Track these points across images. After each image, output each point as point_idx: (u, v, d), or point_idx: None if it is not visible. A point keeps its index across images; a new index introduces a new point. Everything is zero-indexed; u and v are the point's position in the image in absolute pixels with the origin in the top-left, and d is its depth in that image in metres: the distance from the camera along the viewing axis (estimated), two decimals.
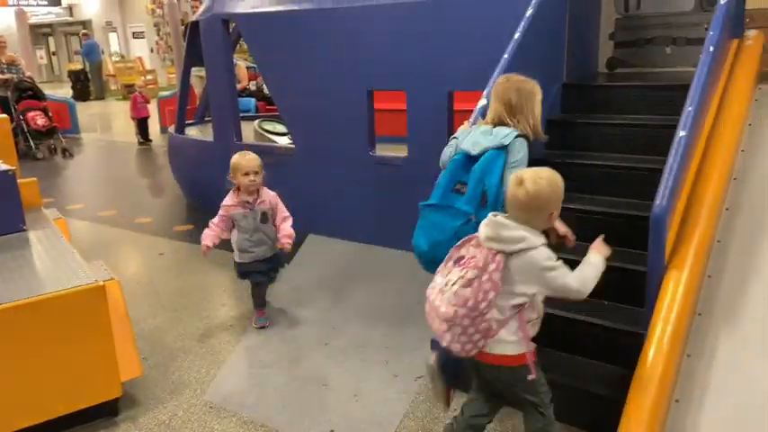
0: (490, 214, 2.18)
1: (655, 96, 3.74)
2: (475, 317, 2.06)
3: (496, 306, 2.08)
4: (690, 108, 2.67)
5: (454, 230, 2.50)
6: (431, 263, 2.47)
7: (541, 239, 2.12)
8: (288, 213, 3.88)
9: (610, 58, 4.62)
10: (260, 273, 3.92)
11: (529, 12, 3.51)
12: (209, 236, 3.78)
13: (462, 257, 2.17)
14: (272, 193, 3.87)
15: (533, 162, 2.59)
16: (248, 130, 6.62)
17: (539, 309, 2.19)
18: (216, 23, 5.85)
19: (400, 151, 4.99)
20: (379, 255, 5.00)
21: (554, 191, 2.12)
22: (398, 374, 3.34)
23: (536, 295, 2.13)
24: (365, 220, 5.15)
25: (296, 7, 5.22)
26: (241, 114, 6.38)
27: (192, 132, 7.33)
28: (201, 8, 6.34)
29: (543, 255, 2.09)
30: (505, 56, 3.35)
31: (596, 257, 2.23)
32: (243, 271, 3.92)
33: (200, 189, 6.56)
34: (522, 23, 3.47)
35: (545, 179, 2.11)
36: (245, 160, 3.75)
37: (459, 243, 2.23)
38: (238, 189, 3.80)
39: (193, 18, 6.49)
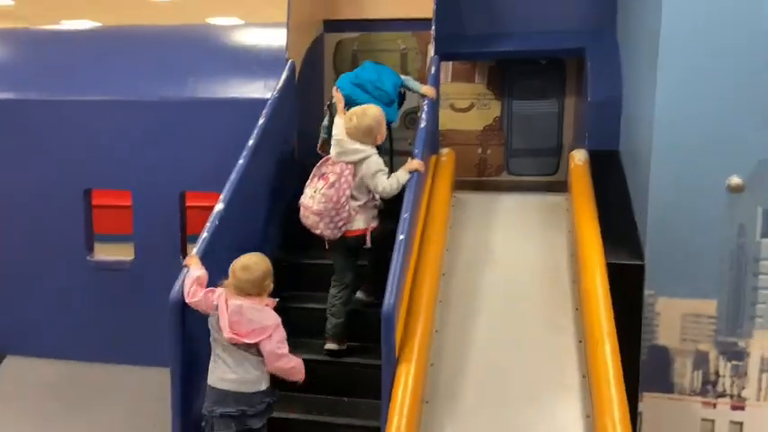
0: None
1: None
2: (338, 209, 3.10)
3: (351, 199, 3.12)
4: (406, 214, 3.04)
5: None
6: None
7: (374, 151, 3.20)
8: None
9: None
10: None
11: (261, 121, 3.68)
12: None
13: (324, 173, 3.21)
14: None
15: None
16: None
17: (378, 201, 3.25)
18: None
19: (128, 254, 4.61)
20: (103, 374, 4.41)
21: (377, 121, 3.22)
22: None
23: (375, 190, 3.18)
24: (83, 334, 4.55)
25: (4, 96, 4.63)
26: None
27: None
28: None
29: (375, 160, 3.17)
30: (240, 161, 3.43)
31: (404, 174, 3.20)
32: None
33: None
34: (255, 131, 3.61)
35: (369, 115, 3.20)
36: None
37: (318, 164, 3.27)
38: None
39: None
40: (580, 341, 2.88)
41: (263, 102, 3.93)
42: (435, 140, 4.08)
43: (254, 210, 3.63)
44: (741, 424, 3.20)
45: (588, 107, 3.96)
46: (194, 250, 3.03)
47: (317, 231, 3.18)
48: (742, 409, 3.20)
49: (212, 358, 2.75)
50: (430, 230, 3.42)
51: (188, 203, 4.57)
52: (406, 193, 3.16)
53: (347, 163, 3.17)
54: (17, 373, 4.43)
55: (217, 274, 3.15)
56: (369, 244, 3.21)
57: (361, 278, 3.39)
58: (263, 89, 4.36)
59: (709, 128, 3.03)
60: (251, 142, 3.57)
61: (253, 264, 2.74)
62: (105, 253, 4.72)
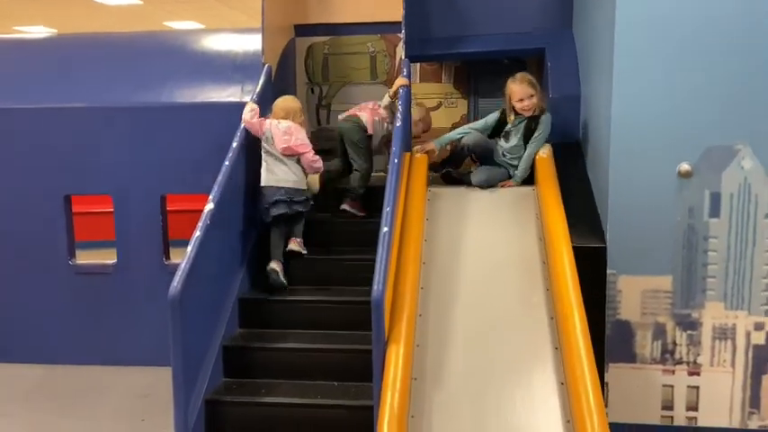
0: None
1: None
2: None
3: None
4: (388, 208, 3.25)
5: None
6: None
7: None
8: None
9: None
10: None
11: (243, 124, 3.83)
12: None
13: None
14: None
15: None
16: None
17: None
18: None
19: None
20: (90, 375, 4.50)
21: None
22: None
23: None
24: (69, 338, 4.62)
25: None
26: None
27: None
28: None
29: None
30: (226, 162, 3.58)
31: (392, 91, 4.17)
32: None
33: None
34: (238, 133, 3.78)
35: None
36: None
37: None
38: None
39: None
40: (551, 318, 3.14)
41: (240, 106, 4.07)
42: (409, 138, 4.30)
43: (239, 208, 3.78)
44: (697, 388, 3.51)
45: (549, 103, 4.24)
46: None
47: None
48: (698, 374, 3.51)
49: (264, 167, 3.83)
50: (409, 223, 3.63)
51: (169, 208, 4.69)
52: (386, 189, 3.37)
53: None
54: (1, 380, 4.46)
55: (211, 268, 3.32)
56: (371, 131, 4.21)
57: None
58: (240, 93, 4.52)
59: (661, 119, 3.32)
60: (235, 144, 3.72)
61: (290, 100, 4.04)
62: (88, 259, 4.80)
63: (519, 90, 3.92)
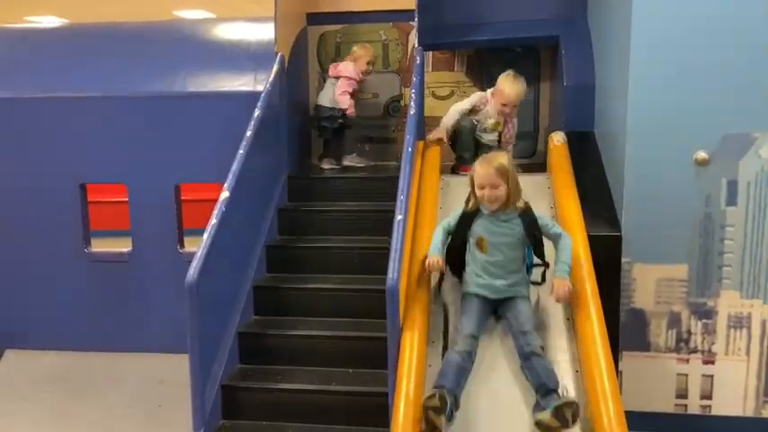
0: None
1: (361, 186, 4.38)
2: None
3: None
4: (402, 196, 3.25)
5: None
6: None
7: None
8: None
9: (321, 154, 5.22)
10: None
11: (256, 113, 3.84)
12: None
13: None
14: None
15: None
16: None
17: None
18: None
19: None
20: (106, 361, 4.55)
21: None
22: None
23: None
24: (84, 324, 4.67)
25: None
26: None
27: None
28: None
29: None
30: (240, 151, 3.59)
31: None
32: None
33: None
34: (252, 122, 3.78)
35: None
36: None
37: None
38: None
39: None
40: (566, 307, 3.14)
41: (253, 94, 4.10)
42: (422, 127, 4.30)
43: (253, 196, 3.80)
44: (712, 377, 3.51)
45: (564, 91, 4.21)
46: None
47: None
48: (712, 363, 3.50)
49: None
50: (423, 211, 3.63)
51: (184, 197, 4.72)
52: (400, 177, 3.37)
53: None
54: (19, 366, 4.52)
55: (226, 256, 3.35)
56: None
57: None
58: (253, 82, 4.53)
59: (677, 108, 3.30)
60: (249, 133, 3.73)
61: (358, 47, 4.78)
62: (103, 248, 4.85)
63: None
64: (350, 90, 4.64)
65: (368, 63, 4.75)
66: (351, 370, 3.37)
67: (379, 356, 2.99)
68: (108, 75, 4.70)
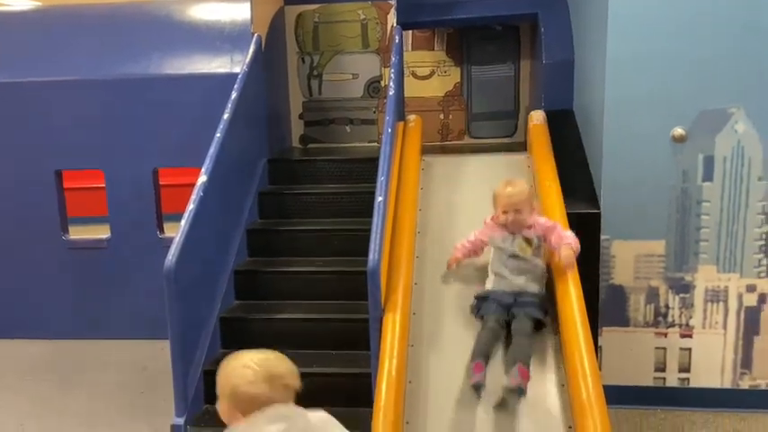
0: None
1: (342, 168, 4.35)
2: None
3: None
4: (382, 178, 3.24)
5: None
6: None
7: None
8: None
9: (302, 135, 5.18)
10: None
11: (234, 95, 3.78)
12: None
13: None
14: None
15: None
16: None
17: None
18: None
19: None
20: (87, 349, 4.51)
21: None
22: None
23: None
24: (65, 313, 4.62)
25: None
26: None
27: None
28: None
29: None
30: (218, 134, 3.54)
31: None
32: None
33: None
34: (229, 104, 3.72)
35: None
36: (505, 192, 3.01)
37: None
38: None
39: None
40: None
41: (230, 76, 4.03)
42: (402, 108, 4.27)
43: (232, 180, 3.76)
44: (690, 350, 3.57)
45: (543, 69, 4.20)
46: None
47: None
48: (690, 336, 3.57)
49: None
50: (404, 192, 3.63)
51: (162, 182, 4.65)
52: (380, 158, 3.36)
53: None
54: (0, 356, 4.47)
55: (205, 241, 3.32)
56: None
57: None
58: (229, 64, 4.45)
59: (654, 85, 3.31)
60: (226, 115, 3.68)
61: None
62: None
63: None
64: None
65: None
66: (333, 352, 3.38)
67: (362, 338, 3.01)
68: (81, 58, 4.58)
